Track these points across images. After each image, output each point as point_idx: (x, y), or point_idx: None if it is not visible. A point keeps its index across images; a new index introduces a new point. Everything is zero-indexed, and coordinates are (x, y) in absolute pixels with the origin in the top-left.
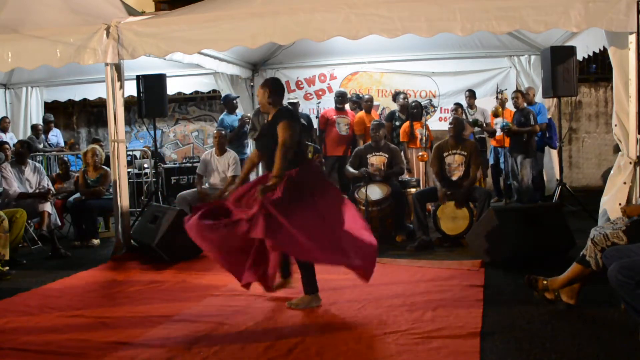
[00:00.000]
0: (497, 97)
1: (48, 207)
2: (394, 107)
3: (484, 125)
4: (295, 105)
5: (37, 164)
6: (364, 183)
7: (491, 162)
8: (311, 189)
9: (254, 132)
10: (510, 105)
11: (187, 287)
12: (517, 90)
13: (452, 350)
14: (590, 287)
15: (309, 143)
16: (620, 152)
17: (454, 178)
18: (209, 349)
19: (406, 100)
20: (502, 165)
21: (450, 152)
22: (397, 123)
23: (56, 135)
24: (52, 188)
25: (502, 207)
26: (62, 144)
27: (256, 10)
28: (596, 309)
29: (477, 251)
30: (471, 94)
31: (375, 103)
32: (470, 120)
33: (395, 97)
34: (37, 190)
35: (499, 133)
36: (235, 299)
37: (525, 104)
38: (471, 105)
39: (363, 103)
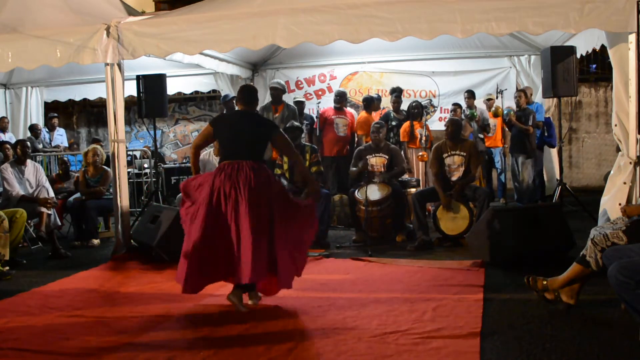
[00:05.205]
0: (485, 100)
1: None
2: None
3: (481, 119)
4: (301, 104)
5: (37, 164)
6: (364, 183)
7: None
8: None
9: None
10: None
11: None
12: (521, 90)
13: (452, 350)
14: (590, 287)
15: (306, 144)
16: (620, 152)
17: (454, 179)
18: (209, 349)
19: (396, 103)
20: (496, 165)
21: (449, 153)
22: (394, 123)
23: (62, 135)
24: (53, 196)
25: (502, 207)
26: (66, 144)
27: (256, 10)
28: (596, 309)
29: (477, 251)
30: (470, 95)
31: None
32: (467, 113)
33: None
34: (37, 190)
35: (492, 134)
36: None
37: (526, 104)
38: (470, 106)
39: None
